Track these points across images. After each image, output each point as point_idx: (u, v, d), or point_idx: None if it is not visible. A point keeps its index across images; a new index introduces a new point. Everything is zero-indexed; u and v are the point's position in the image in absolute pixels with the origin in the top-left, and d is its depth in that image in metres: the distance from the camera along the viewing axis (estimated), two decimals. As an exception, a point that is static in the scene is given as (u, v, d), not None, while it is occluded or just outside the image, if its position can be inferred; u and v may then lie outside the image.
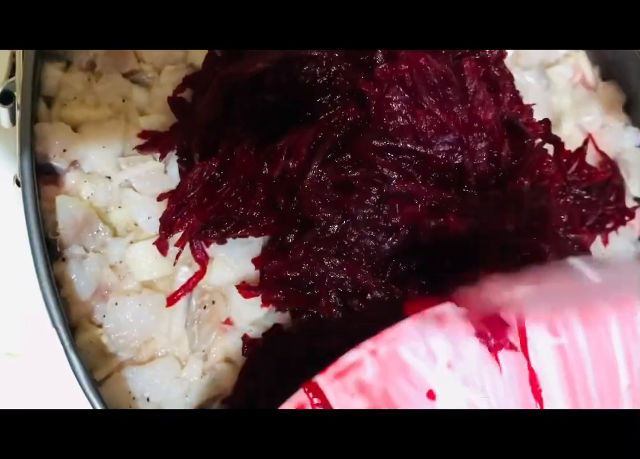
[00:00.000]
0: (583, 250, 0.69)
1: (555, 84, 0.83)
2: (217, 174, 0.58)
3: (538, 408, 0.51)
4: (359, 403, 0.48)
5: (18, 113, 0.58)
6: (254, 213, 0.58)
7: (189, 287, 0.61)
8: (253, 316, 0.61)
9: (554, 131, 0.74)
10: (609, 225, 0.78)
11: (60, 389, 0.66)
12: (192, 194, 0.58)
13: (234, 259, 0.61)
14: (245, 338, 0.61)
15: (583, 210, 0.74)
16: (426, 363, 0.49)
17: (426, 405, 0.48)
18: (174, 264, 0.61)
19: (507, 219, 0.59)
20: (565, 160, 0.74)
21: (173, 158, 0.63)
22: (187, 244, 0.60)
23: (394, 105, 0.57)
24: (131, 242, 0.62)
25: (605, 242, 0.78)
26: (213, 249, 0.61)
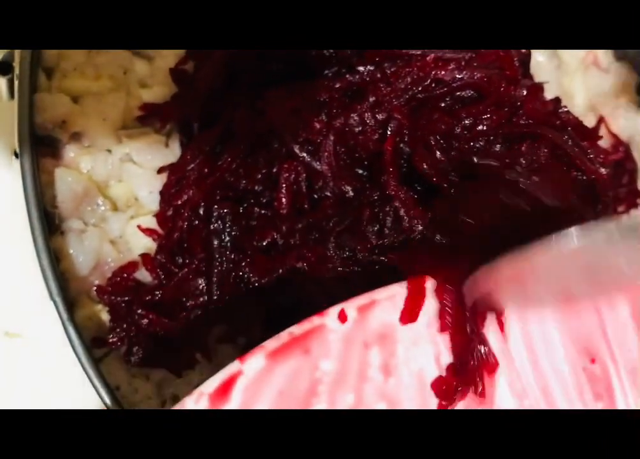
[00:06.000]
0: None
1: (567, 64, 0.81)
2: (217, 145, 0.57)
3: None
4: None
5: (16, 83, 0.57)
6: (256, 187, 0.57)
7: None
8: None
9: (565, 113, 0.72)
10: (620, 208, 0.77)
11: (59, 368, 0.65)
12: (192, 166, 0.57)
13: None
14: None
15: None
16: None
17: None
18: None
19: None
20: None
21: (174, 131, 0.62)
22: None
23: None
24: (132, 217, 0.61)
25: (617, 225, 0.76)
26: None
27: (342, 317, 0.47)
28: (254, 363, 0.44)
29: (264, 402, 0.44)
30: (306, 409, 0.45)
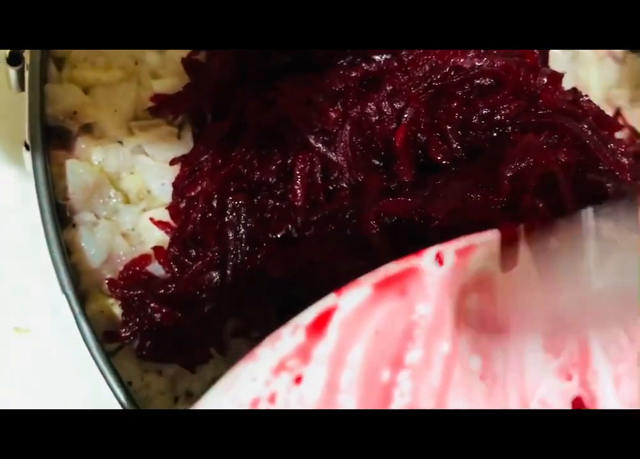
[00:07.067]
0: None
1: (582, 55, 0.80)
2: (231, 136, 0.56)
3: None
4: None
5: (27, 74, 0.57)
6: (270, 179, 0.56)
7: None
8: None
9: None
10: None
11: (69, 364, 0.64)
12: (205, 157, 0.56)
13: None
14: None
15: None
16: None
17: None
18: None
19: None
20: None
21: (186, 122, 0.62)
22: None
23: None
24: (144, 210, 0.60)
25: (634, 218, 0.75)
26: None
27: (439, 260, 0.44)
28: (351, 297, 0.41)
29: (361, 342, 0.41)
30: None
